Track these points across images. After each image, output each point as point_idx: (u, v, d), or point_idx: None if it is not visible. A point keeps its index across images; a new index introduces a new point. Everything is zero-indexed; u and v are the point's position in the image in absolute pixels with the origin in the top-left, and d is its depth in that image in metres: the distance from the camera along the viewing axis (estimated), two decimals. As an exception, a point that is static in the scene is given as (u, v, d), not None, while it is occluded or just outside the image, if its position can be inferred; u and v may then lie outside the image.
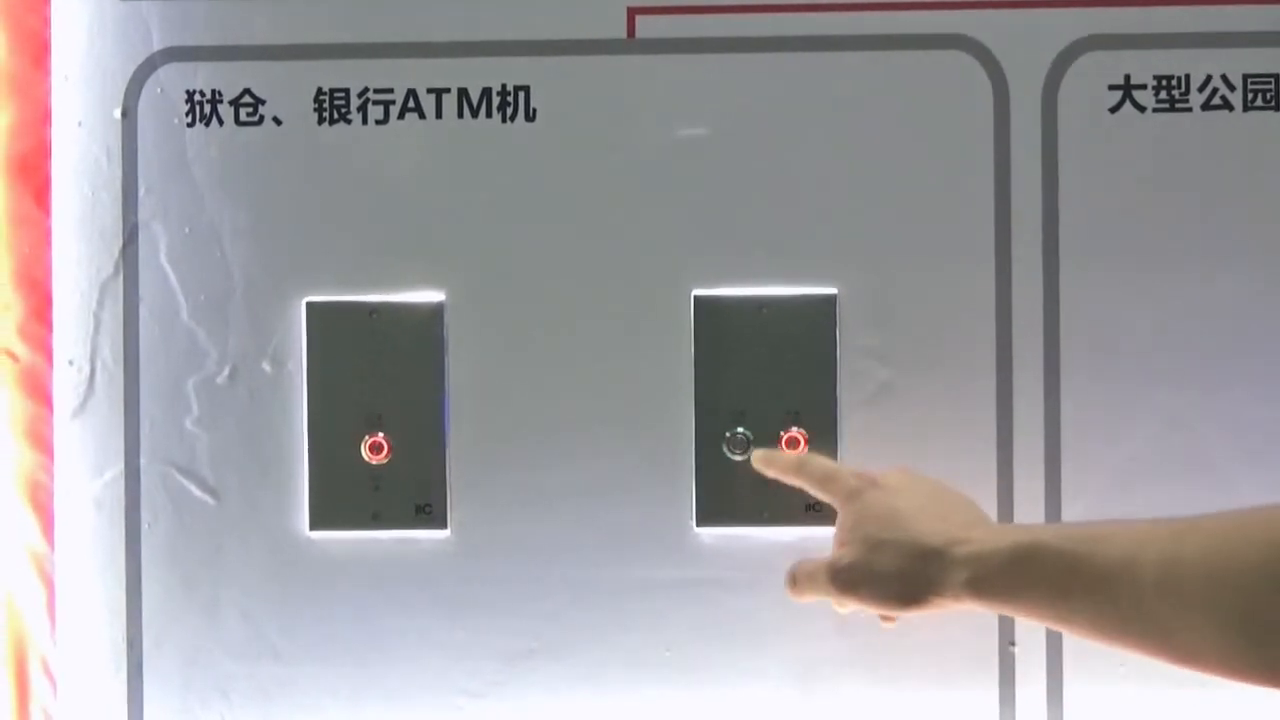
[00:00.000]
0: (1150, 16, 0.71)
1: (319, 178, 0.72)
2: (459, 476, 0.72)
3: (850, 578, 0.58)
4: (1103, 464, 0.71)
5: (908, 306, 0.71)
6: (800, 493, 0.69)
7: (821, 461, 0.65)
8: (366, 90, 0.72)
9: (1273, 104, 0.70)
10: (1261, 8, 0.70)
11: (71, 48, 0.72)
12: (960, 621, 0.70)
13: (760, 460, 0.67)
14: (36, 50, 0.73)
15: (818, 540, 0.69)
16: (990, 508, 0.71)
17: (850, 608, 0.61)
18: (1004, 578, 0.52)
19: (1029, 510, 0.71)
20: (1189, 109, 0.71)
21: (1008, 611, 0.56)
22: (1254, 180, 0.71)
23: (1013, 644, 0.71)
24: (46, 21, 0.73)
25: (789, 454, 0.67)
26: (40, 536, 0.73)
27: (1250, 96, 0.71)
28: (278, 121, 0.72)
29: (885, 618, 0.62)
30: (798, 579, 0.63)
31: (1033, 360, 0.71)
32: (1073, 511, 0.71)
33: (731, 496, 0.71)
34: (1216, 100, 0.71)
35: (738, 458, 0.71)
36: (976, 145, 0.71)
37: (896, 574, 0.56)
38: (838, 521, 0.63)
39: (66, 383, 0.72)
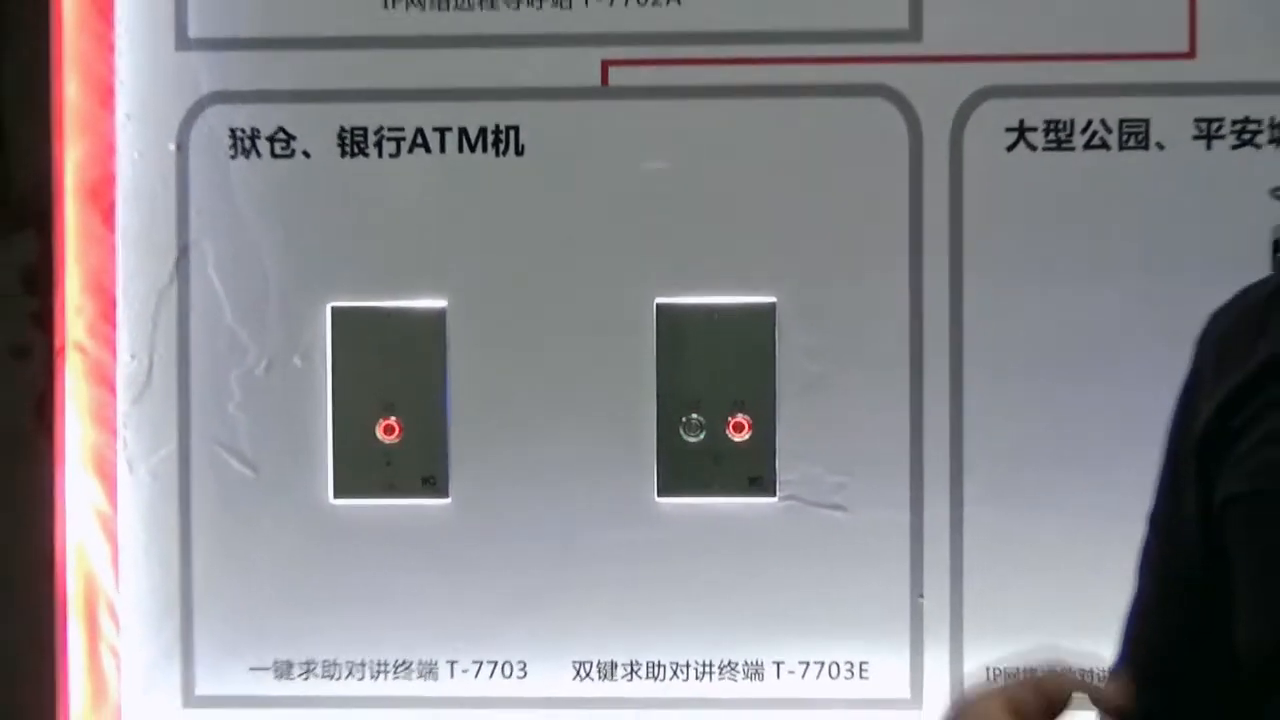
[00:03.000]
0: (1040, 70, 0.84)
1: (341, 202, 0.86)
2: (458, 453, 0.86)
3: None
4: (998, 443, 0.84)
5: (836, 313, 0.85)
6: (743, 467, 0.84)
7: None
8: (381, 129, 0.86)
9: (1143, 144, 0.84)
10: (1133, 62, 0.84)
11: (133, 91, 0.86)
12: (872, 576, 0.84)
13: None
14: (103, 93, 0.87)
15: (757, 508, 0.84)
16: (904, 481, 0.85)
17: None
18: None
19: (935, 480, 0.84)
20: (1073, 148, 0.84)
21: None
22: (1127, 207, 0.84)
23: (921, 596, 0.84)
24: (112, 69, 0.86)
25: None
26: (105, 501, 0.87)
27: (1125, 138, 0.84)
28: (307, 155, 0.86)
29: None
30: None
31: (940, 357, 0.85)
32: (973, 481, 0.84)
33: (687, 472, 0.85)
34: (1096, 141, 0.84)
35: (692, 440, 0.85)
36: (894, 178, 0.85)
37: None
38: None
39: (128, 374, 0.86)
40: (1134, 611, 0.61)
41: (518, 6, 0.85)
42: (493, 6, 0.86)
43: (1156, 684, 0.58)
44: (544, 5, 0.85)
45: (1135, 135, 0.84)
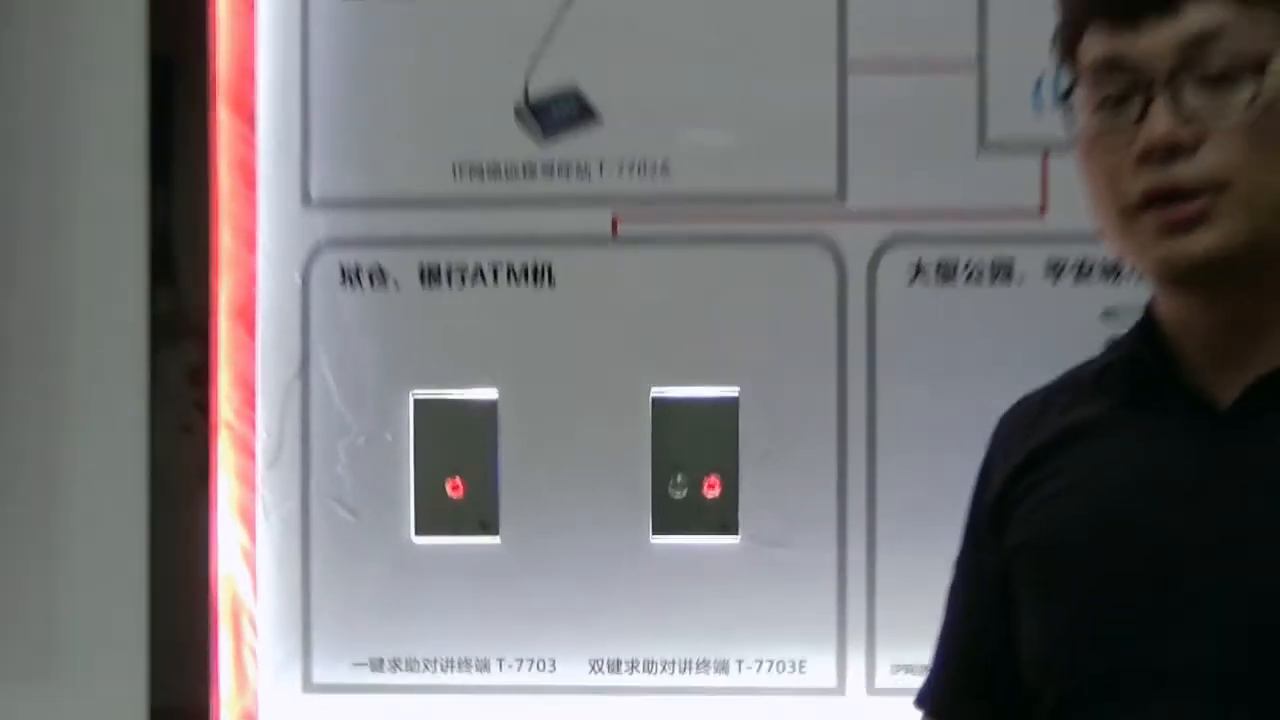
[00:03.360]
0: (933, 224, 1.14)
1: (421, 320, 1.16)
2: (506, 505, 1.15)
3: None
4: (904, 500, 1.13)
5: (783, 404, 1.14)
6: (715, 516, 1.14)
7: None
8: (451, 266, 1.17)
9: (1009, 279, 1.14)
10: (1001, 219, 1.14)
11: (270, 238, 1.17)
12: (808, 597, 1.14)
13: None
14: (248, 239, 1.18)
15: (725, 547, 1.14)
16: (831, 527, 1.13)
17: None
18: None
19: (855, 527, 1.13)
20: (956, 283, 1.15)
21: None
22: (997, 326, 1.13)
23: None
24: (255, 221, 1.17)
25: None
26: (247, 540, 1.17)
27: (994, 274, 1.14)
28: (396, 285, 1.17)
29: None
30: None
31: (859, 437, 1.14)
32: (884, 528, 1.13)
33: (673, 519, 1.14)
34: (974, 277, 1.14)
35: (677, 495, 1.15)
36: (826, 304, 1.14)
37: None
38: None
39: (265, 446, 1.17)
40: (944, 633, 0.84)
41: (551, 176, 1.17)
42: (532, 176, 1.17)
43: (962, 691, 0.82)
44: (571, 175, 1.16)
45: (1003, 272, 1.14)
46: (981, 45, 1.13)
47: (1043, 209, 1.13)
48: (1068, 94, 0.73)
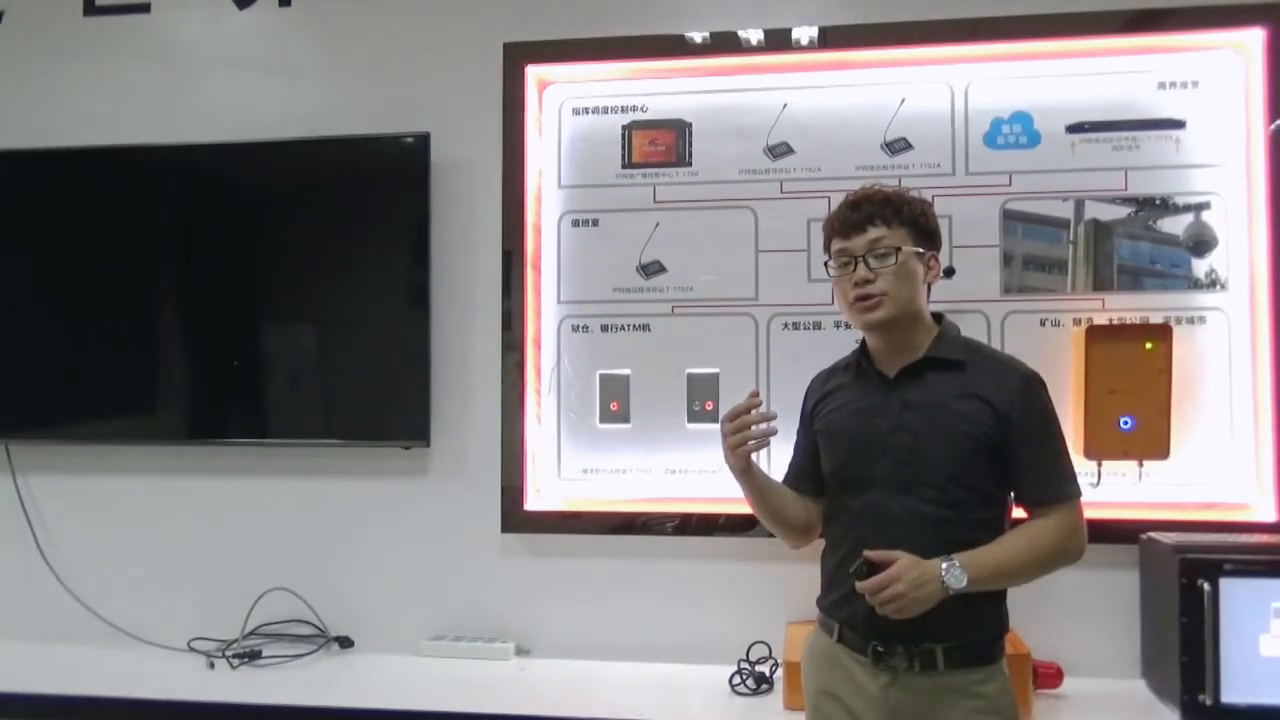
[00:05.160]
0: (791, 309, 3.08)
1: (602, 346, 3.15)
2: (634, 413, 3.13)
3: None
4: (780, 408, 3.09)
5: (735, 375, 3.09)
6: (711, 417, 3.11)
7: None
8: (610, 324, 3.15)
9: (820, 330, 3.07)
10: (815, 306, 3.07)
11: (547, 313, 3.17)
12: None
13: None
14: (538, 312, 3.18)
15: (713, 430, 3.12)
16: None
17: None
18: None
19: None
20: (800, 330, 3.08)
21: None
22: (812, 345, 3.07)
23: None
24: (540, 307, 3.18)
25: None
26: (536, 423, 3.17)
27: (812, 327, 3.07)
28: (590, 332, 3.15)
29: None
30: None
31: (764, 387, 3.10)
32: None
33: (695, 418, 3.11)
34: (807, 329, 3.08)
35: (696, 409, 3.11)
36: (751, 338, 3.09)
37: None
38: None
39: (545, 387, 3.18)
40: (793, 455, 2.30)
41: (648, 290, 3.13)
42: (641, 290, 3.13)
43: (796, 475, 2.49)
44: (656, 290, 3.12)
45: (816, 326, 3.07)
46: (809, 242, 3.07)
47: (832, 301, 3.06)
48: (826, 264, 2.43)
